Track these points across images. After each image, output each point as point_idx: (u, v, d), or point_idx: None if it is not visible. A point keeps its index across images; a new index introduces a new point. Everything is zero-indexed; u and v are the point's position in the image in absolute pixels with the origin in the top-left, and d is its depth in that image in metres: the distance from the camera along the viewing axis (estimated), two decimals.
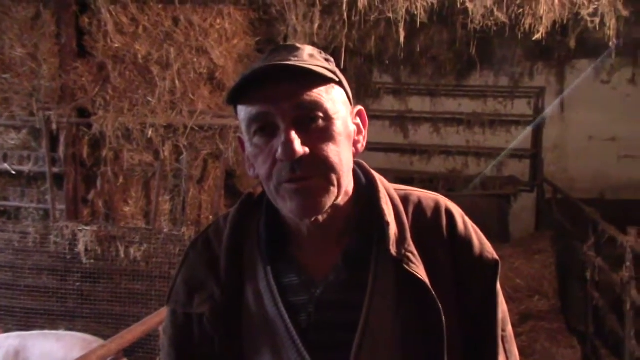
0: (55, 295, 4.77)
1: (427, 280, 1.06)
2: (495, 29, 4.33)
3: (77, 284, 4.71)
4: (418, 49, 6.17)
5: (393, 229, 1.10)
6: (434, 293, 1.06)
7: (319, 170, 1.03)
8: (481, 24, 4.25)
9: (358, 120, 1.15)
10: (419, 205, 1.16)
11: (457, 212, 1.17)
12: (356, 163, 1.18)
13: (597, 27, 4.10)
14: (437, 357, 1.06)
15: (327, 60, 1.11)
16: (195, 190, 4.84)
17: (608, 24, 4.04)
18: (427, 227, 1.14)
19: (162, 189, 4.80)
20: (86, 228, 4.63)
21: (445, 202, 1.18)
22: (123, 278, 4.66)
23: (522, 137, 7.52)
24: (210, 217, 4.78)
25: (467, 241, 1.14)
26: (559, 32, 4.92)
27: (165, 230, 4.67)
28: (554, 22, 4.16)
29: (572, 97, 7.43)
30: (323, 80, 1.04)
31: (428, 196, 1.19)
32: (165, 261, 4.58)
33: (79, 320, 4.73)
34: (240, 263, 1.14)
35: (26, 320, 4.73)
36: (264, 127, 1.04)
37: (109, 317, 4.66)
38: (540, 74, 7.45)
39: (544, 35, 4.19)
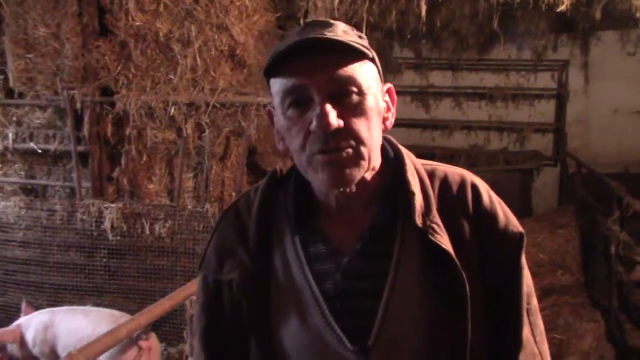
0: (83, 272, 4.87)
1: (451, 250, 1.08)
2: (518, 1, 4.26)
3: (104, 260, 4.81)
4: (439, 23, 6.09)
5: (419, 200, 1.12)
6: (457, 262, 1.08)
7: (351, 143, 1.06)
8: None
9: (387, 98, 1.17)
10: (445, 179, 1.18)
11: (483, 186, 1.19)
12: (384, 138, 1.20)
13: None
14: (460, 326, 1.08)
15: (360, 37, 1.11)
16: (217, 167, 4.87)
17: None
18: (453, 200, 1.15)
19: (185, 167, 4.84)
20: (112, 205, 4.70)
21: (471, 177, 1.20)
22: (148, 254, 4.74)
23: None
24: (233, 194, 4.82)
25: (492, 214, 1.15)
26: (584, 4, 4.83)
27: (189, 207, 4.73)
28: None
29: (596, 70, 7.31)
30: (357, 56, 1.06)
31: (454, 171, 1.20)
32: (190, 237, 4.65)
33: (106, 295, 4.83)
34: (268, 233, 1.17)
35: (55, 296, 4.85)
36: (299, 100, 1.06)
37: (135, 293, 4.76)
38: (564, 47, 7.33)
39: (568, 7, 4.12)
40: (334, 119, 1.02)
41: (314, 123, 1.03)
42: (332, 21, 1.10)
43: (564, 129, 7.34)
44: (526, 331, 1.15)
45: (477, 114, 7.60)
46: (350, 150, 1.06)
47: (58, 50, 4.82)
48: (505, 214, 1.17)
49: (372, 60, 1.10)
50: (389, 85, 1.17)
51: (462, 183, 1.18)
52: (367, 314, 1.09)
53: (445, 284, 1.08)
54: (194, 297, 2.62)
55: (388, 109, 1.17)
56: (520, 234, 1.16)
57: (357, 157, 1.07)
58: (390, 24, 5.83)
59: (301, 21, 4.48)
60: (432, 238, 1.09)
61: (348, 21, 4.80)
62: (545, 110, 7.51)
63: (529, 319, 1.16)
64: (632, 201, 4.26)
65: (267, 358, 1.15)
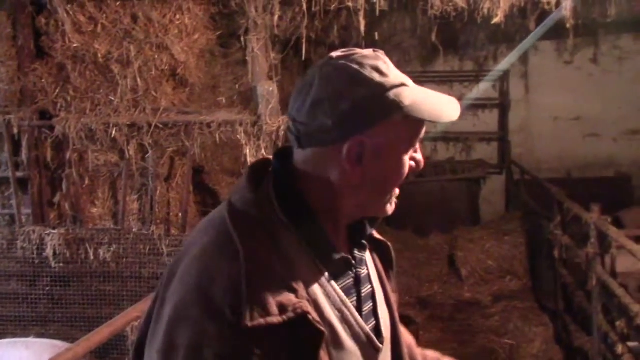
0: (26, 301, 4.70)
1: (388, 242, 1.36)
2: (454, 14, 4.35)
3: (47, 288, 4.65)
4: (380, 37, 6.17)
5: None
6: (392, 249, 1.37)
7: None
8: (441, 10, 4.27)
9: None
10: None
11: None
12: None
13: (554, 8, 4.14)
14: (393, 289, 1.35)
15: None
16: (163, 188, 4.79)
17: (564, 5, 4.09)
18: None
19: (129, 189, 4.74)
20: (53, 231, 4.56)
21: None
22: (94, 280, 4.60)
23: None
24: (180, 214, 4.75)
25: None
26: (519, 15, 4.96)
27: (135, 229, 4.62)
28: (512, 5, 4.20)
29: (536, 79, 7.52)
30: None
31: None
32: (136, 261, 4.54)
33: (51, 325, 4.67)
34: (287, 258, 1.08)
35: None
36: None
37: (82, 321, 4.61)
38: (504, 57, 7.52)
39: (503, 18, 4.23)
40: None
41: (418, 162, 1.18)
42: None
43: (507, 138, 7.52)
44: None
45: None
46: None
47: None
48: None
49: None
50: None
51: None
52: (373, 314, 1.23)
53: (387, 267, 1.35)
54: (135, 323, 2.56)
55: None
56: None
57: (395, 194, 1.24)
58: (333, 39, 5.88)
59: (242, 38, 4.45)
60: (379, 237, 1.34)
61: (289, 37, 4.83)
62: (489, 120, 7.68)
63: None
64: (572, 205, 4.37)
65: None
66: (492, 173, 7.62)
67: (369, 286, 1.24)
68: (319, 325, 1.01)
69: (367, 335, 1.16)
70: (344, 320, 1.12)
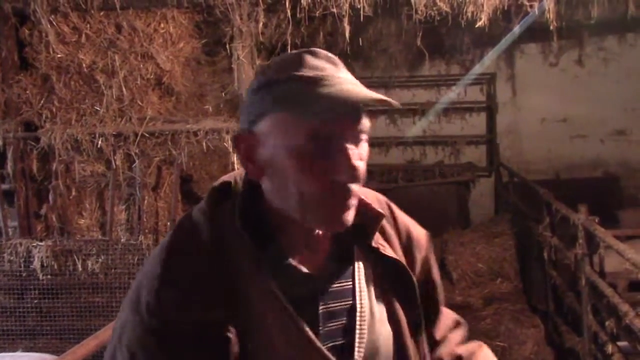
0: (13, 315, 4.65)
1: (403, 260, 1.24)
2: (439, 18, 4.37)
3: (35, 301, 4.61)
4: (365, 43, 6.19)
5: (371, 224, 1.22)
6: (408, 268, 1.23)
7: (358, 188, 1.11)
8: (425, 14, 4.28)
9: None
10: (370, 196, 1.29)
11: (393, 204, 1.37)
12: None
13: (537, 11, 4.17)
14: (414, 316, 1.24)
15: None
16: (150, 197, 4.77)
17: (547, 7, 4.11)
18: (385, 224, 1.29)
19: (117, 199, 4.72)
20: (41, 244, 4.52)
21: (384, 197, 1.35)
22: (82, 292, 4.57)
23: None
24: (168, 224, 4.73)
25: (407, 224, 1.34)
26: (502, 18, 4.99)
27: (123, 240, 4.59)
28: (496, 9, 4.22)
29: (522, 81, 7.57)
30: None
31: (369, 190, 1.31)
32: (125, 271, 4.51)
33: (39, 338, 4.62)
34: (230, 264, 1.08)
35: None
36: (326, 145, 1.04)
37: (71, 333, 4.57)
38: (489, 60, 7.56)
39: (486, 22, 4.24)
40: (358, 163, 1.07)
41: (344, 174, 1.05)
42: (332, 56, 1.13)
43: (495, 140, 7.55)
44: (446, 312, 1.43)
45: (412, 129, 7.73)
46: (356, 196, 1.11)
47: None
48: (413, 221, 1.37)
49: None
50: None
51: (380, 200, 1.32)
52: (346, 333, 1.15)
53: (399, 291, 1.22)
54: None
55: None
56: (427, 233, 1.38)
57: (356, 200, 1.12)
58: (319, 46, 5.86)
59: (227, 46, 4.45)
60: (384, 252, 1.21)
61: (274, 44, 4.83)
62: (476, 123, 7.71)
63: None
64: (560, 206, 4.38)
65: None
66: (481, 176, 7.65)
67: (347, 301, 1.15)
68: (215, 333, 1.02)
69: (317, 351, 1.09)
70: (284, 329, 1.08)
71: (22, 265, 4.57)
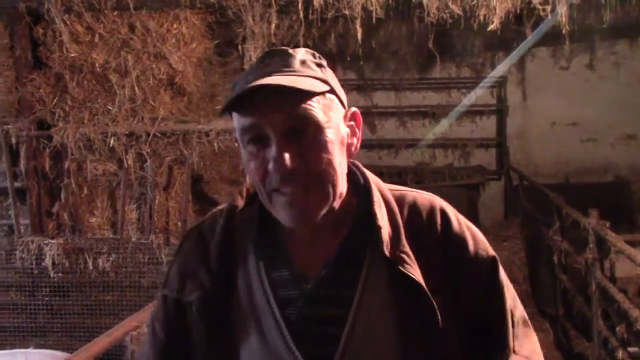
0: (25, 312, 4.69)
1: (421, 281, 1.09)
2: (451, 21, 4.37)
3: (46, 298, 4.64)
4: (377, 45, 6.20)
5: (386, 231, 1.12)
6: (428, 293, 1.08)
7: (312, 181, 1.06)
8: (437, 17, 4.28)
9: (352, 123, 1.16)
10: (414, 205, 1.18)
11: (452, 212, 1.20)
12: (353, 164, 1.21)
13: (550, 14, 4.16)
14: (434, 353, 1.09)
15: (319, 65, 1.11)
16: (161, 197, 4.80)
17: (560, 11, 4.11)
18: (422, 227, 1.16)
19: (128, 198, 4.75)
20: (52, 241, 4.56)
21: (440, 202, 1.20)
22: (93, 290, 4.60)
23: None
24: (179, 223, 4.75)
25: (461, 240, 1.16)
26: (514, 22, 4.98)
27: (133, 239, 4.62)
28: (508, 12, 4.22)
29: (533, 85, 7.54)
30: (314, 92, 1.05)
31: (423, 197, 1.21)
32: (135, 270, 4.54)
33: (50, 335, 4.66)
34: (232, 255, 1.17)
35: None
36: (257, 138, 1.06)
37: (81, 331, 4.60)
38: (500, 64, 7.54)
39: (498, 25, 4.25)
40: (289, 161, 1.02)
41: (271, 164, 1.04)
42: (291, 51, 1.10)
43: (505, 143, 7.53)
44: (514, 344, 1.15)
45: (422, 131, 7.72)
46: (311, 189, 1.06)
47: None
48: (475, 239, 1.17)
49: (332, 90, 1.10)
50: (353, 109, 1.16)
51: (431, 209, 1.18)
52: (330, 341, 1.09)
53: (415, 313, 1.09)
54: (135, 333, 2.56)
55: (353, 134, 1.16)
56: (491, 257, 1.17)
57: (320, 195, 1.08)
58: (330, 47, 5.89)
59: (240, 47, 4.48)
60: (402, 269, 1.09)
61: (287, 45, 4.83)
62: (486, 126, 7.69)
63: (513, 332, 1.16)
64: (570, 210, 4.37)
65: None
66: (491, 179, 7.62)
67: (340, 309, 1.10)
68: (199, 316, 1.13)
69: (291, 354, 1.09)
70: (263, 327, 1.11)
71: (34, 263, 4.60)
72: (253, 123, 1.05)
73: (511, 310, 1.17)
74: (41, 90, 4.66)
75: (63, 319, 4.63)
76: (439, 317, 1.08)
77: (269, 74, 1.04)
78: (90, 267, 4.53)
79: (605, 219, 3.85)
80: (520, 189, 6.89)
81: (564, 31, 4.23)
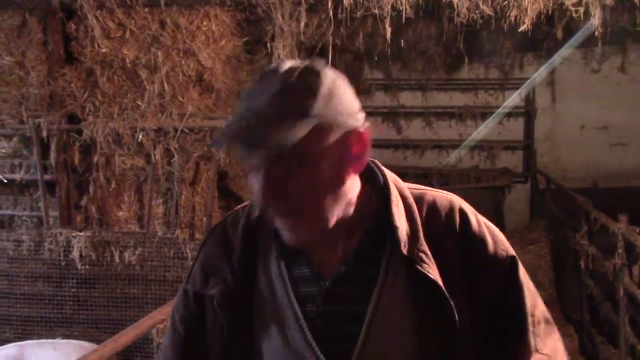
0: (52, 302, 4.76)
1: (439, 280, 1.10)
2: (481, 21, 4.33)
3: (73, 290, 4.71)
4: (406, 44, 6.17)
5: (404, 230, 1.12)
6: (445, 292, 1.09)
7: (295, 216, 1.07)
8: (467, 17, 4.25)
9: (357, 143, 1.11)
10: (433, 204, 1.19)
11: (471, 212, 1.20)
12: (373, 163, 1.21)
13: (582, 16, 4.11)
14: (451, 352, 1.10)
15: (308, 90, 1.04)
16: (188, 192, 4.83)
17: (593, 13, 4.05)
18: (441, 226, 1.16)
19: (155, 193, 4.79)
20: (80, 234, 4.62)
21: (459, 202, 1.20)
22: (118, 283, 4.65)
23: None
24: (204, 219, 4.78)
25: (480, 240, 1.16)
26: (545, 23, 4.93)
27: (159, 233, 4.66)
28: (539, 13, 4.17)
29: (562, 87, 7.45)
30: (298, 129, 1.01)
31: (442, 196, 1.21)
32: (160, 264, 4.58)
33: (76, 326, 4.72)
34: (254, 251, 1.19)
35: (23, 328, 4.73)
36: (250, 165, 1.08)
37: (106, 322, 4.65)
38: (530, 65, 7.48)
39: (529, 26, 4.20)
40: (270, 198, 1.04)
41: (255, 198, 1.08)
42: (275, 81, 1.04)
43: (532, 146, 7.45)
44: (535, 342, 1.16)
45: (448, 133, 7.68)
46: (295, 220, 1.07)
47: (23, 78, 4.77)
48: (494, 239, 1.18)
49: (321, 122, 1.03)
50: (356, 129, 1.09)
51: (451, 208, 1.18)
52: (349, 338, 1.11)
53: (433, 312, 1.10)
54: (161, 326, 2.58)
55: (357, 155, 1.10)
56: (511, 257, 1.17)
57: (303, 226, 1.08)
58: (358, 46, 5.89)
59: (268, 45, 4.49)
60: (420, 268, 1.10)
61: (315, 44, 4.84)
62: (514, 128, 7.62)
63: (535, 339, 1.16)
64: (599, 215, 4.32)
65: None
66: (517, 181, 7.56)
67: (357, 307, 1.11)
68: (220, 311, 1.15)
69: (311, 349, 1.11)
70: (284, 323, 1.14)
71: (62, 255, 4.67)
72: (245, 154, 1.06)
73: (531, 309, 1.17)
74: (72, 85, 4.73)
75: (89, 311, 4.69)
76: (457, 316, 1.09)
77: (241, 124, 1.04)
78: (117, 260, 4.58)
79: (635, 225, 3.80)
80: (547, 193, 6.82)
81: (596, 33, 4.17)
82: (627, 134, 7.30)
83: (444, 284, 1.09)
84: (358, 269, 1.13)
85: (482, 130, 7.48)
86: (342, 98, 1.07)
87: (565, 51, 7.16)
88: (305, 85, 1.04)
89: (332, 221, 1.09)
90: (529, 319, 1.16)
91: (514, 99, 7.47)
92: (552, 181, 6.75)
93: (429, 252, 1.12)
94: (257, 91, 1.06)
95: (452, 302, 1.08)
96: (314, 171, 1.04)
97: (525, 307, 1.15)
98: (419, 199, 1.18)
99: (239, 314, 1.16)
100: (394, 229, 1.11)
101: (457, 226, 1.16)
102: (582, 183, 7.17)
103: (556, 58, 7.12)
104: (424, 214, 1.17)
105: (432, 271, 1.10)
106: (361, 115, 1.11)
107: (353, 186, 1.12)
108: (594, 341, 4.59)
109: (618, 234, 3.83)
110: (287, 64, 1.07)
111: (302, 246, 1.13)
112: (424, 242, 1.12)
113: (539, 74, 7.42)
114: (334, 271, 1.14)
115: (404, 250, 1.10)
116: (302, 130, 1.00)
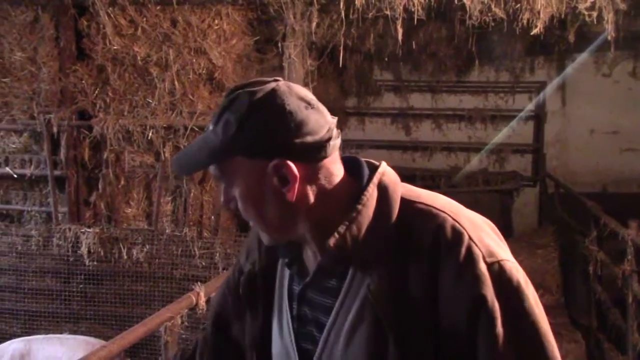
0: (59, 298, 4.79)
1: (384, 302, 1.04)
2: (493, 24, 4.32)
3: (81, 286, 4.74)
4: (417, 46, 6.16)
5: (355, 250, 1.08)
6: (385, 322, 1.04)
7: (250, 220, 1.17)
8: (479, 20, 4.23)
9: (280, 174, 1.08)
10: (414, 220, 1.09)
11: (453, 232, 1.06)
12: (365, 163, 1.18)
13: (595, 20, 4.08)
14: None
15: (226, 126, 1.08)
16: (196, 191, 4.84)
17: (606, 18, 4.03)
18: (412, 245, 1.06)
19: (164, 190, 4.81)
20: (88, 230, 4.65)
21: (444, 219, 1.08)
22: (126, 279, 4.67)
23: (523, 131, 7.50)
24: (212, 217, 4.79)
25: (448, 267, 1.03)
26: (558, 27, 4.90)
27: (168, 231, 4.68)
28: (552, 17, 4.15)
29: (573, 91, 7.41)
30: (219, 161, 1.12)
31: (431, 211, 1.09)
32: (168, 262, 4.60)
33: (83, 322, 4.75)
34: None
35: (30, 323, 4.76)
36: None
37: (113, 319, 4.68)
38: (540, 69, 7.42)
39: (542, 30, 4.18)
40: (224, 202, 1.17)
41: None
42: (220, 109, 1.12)
43: (542, 150, 7.41)
44: None
45: (457, 135, 7.65)
46: (255, 226, 1.18)
47: (35, 74, 4.80)
48: (468, 264, 1.02)
49: (240, 152, 1.08)
50: (275, 162, 1.07)
51: (430, 225, 1.07)
52: (315, 343, 1.15)
53: (373, 339, 1.05)
54: (169, 324, 2.58)
55: (284, 183, 1.09)
56: (475, 296, 1.00)
57: (263, 231, 1.17)
58: (369, 47, 5.88)
59: (279, 45, 4.50)
60: (369, 290, 1.06)
61: (326, 44, 4.84)
62: (523, 131, 7.58)
63: None
64: (609, 220, 4.29)
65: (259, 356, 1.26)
66: (526, 185, 7.51)
67: (321, 315, 1.14)
68: (242, 290, 1.26)
69: (292, 343, 1.19)
70: (280, 315, 1.23)
71: (70, 250, 4.70)
72: None
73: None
74: (83, 82, 4.75)
75: (96, 307, 4.72)
76: (400, 342, 1.03)
77: (191, 144, 1.19)
78: (125, 257, 4.61)
79: None
80: (556, 197, 6.78)
81: (609, 37, 4.14)
82: (637, 139, 7.24)
83: (399, 310, 1.03)
84: (324, 278, 1.13)
85: (505, 132, 7.43)
86: (263, 130, 1.07)
87: (576, 55, 7.14)
88: (229, 116, 1.09)
89: (277, 233, 1.15)
90: None
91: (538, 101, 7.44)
92: (561, 185, 6.71)
93: (387, 271, 1.05)
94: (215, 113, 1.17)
95: (390, 333, 1.03)
96: (241, 191, 1.12)
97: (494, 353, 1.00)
98: (404, 212, 1.10)
99: (256, 299, 1.25)
100: (328, 248, 1.08)
101: (432, 249, 1.05)
102: (592, 188, 7.13)
103: (567, 62, 7.10)
104: (402, 229, 1.08)
105: (383, 294, 1.04)
106: (295, 143, 1.07)
107: (305, 202, 1.10)
108: (601, 347, 4.56)
109: (628, 240, 3.80)
110: (242, 84, 1.13)
111: (288, 245, 1.18)
112: (386, 261, 1.06)
113: (550, 77, 7.39)
114: (310, 277, 1.16)
115: (361, 271, 1.08)
116: (222, 159, 1.11)
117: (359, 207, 1.09)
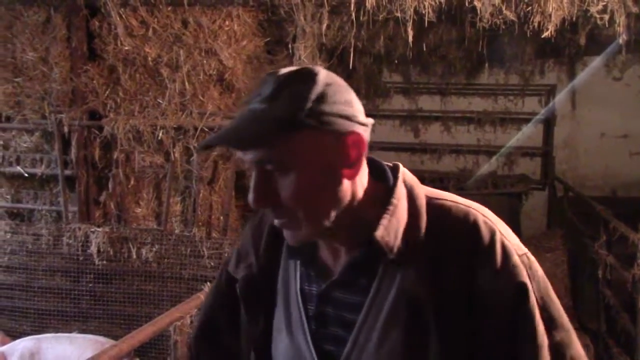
0: (69, 297, 4.81)
1: (422, 297, 1.04)
2: (504, 27, 4.31)
3: (90, 285, 4.76)
4: (427, 48, 6.15)
5: (395, 243, 1.07)
6: (425, 309, 1.04)
7: (284, 213, 1.06)
8: (490, 22, 4.22)
9: (348, 146, 1.06)
10: (446, 217, 1.10)
11: (486, 227, 1.08)
12: (390, 165, 1.19)
13: (607, 24, 4.07)
14: None
15: (298, 94, 1.02)
16: (205, 191, 4.86)
17: (618, 21, 4.01)
18: (447, 240, 1.08)
19: (173, 191, 4.82)
20: (98, 229, 4.67)
21: (475, 215, 1.10)
22: (135, 279, 4.69)
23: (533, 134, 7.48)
24: (221, 217, 4.80)
25: (487, 260, 1.06)
26: (569, 30, 4.88)
27: (177, 231, 4.70)
28: (563, 20, 4.14)
29: (583, 95, 7.38)
30: (280, 131, 1.01)
31: (459, 208, 1.11)
32: (177, 262, 4.61)
33: (92, 321, 4.77)
34: (279, 245, 1.22)
35: (40, 322, 4.79)
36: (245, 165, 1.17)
37: (122, 318, 4.70)
38: (551, 72, 7.40)
39: (553, 32, 4.16)
40: (259, 199, 1.04)
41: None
42: (273, 82, 1.04)
43: (551, 153, 7.39)
44: None
45: (466, 138, 7.64)
46: (287, 219, 1.07)
47: (46, 74, 4.82)
48: (506, 257, 1.06)
49: (312, 125, 1.02)
50: (347, 132, 1.05)
51: (465, 223, 1.09)
52: (340, 343, 1.11)
53: (420, 330, 1.04)
54: (178, 323, 2.60)
55: (350, 159, 1.06)
56: (518, 284, 1.05)
57: (295, 225, 1.07)
58: (378, 49, 5.88)
59: (290, 46, 4.51)
60: (405, 284, 1.06)
61: (336, 46, 4.84)
62: (533, 134, 7.56)
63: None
64: (618, 224, 4.27)
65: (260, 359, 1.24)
66: (535, 188, 7.49)
67: (349, 314, 1.12)
68: (240, 295, 1.23)
69: (308, 345, 1.14)
70: (288, 317, 1.19)
71: (80, 249, 4.73)
72: (238, 155, 1.10)
73: (543, 344, 1.05)
74: (94, 82, 4.78)
75: (105, 306, 4.74)
76: (441, 343, 1.03)
77: (232, 125, 1.05)
78: (134, 257, 4.63)
79: None
80: (565, 200, 6.75)
81: (620, 41, 4.13)
82: None
83: (436, 305, 1.03)
84: (354, 276, 1.11)
85: (518, 135, 7.41)
86: (337, 101, 1.04)
87: (587, 58, 7.11)
88: (295, 89, 1.03)
89: (326, 223, 1.06)
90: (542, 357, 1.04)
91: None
92: (570, 189, 6.68)
93: (423, 267, 1.06)
94: (253, 95, 1.06)
95: (431, 325, 1.03)
96: (303, 173, 1.03)
97: (536, 346, 1.04)
98: (432, 209, 1.11)
99: (256, 302, 1.22)
100: (374, 241, 1.07)
101: (466, 243, 1.07)
102: (601, 191, 7.10)
103: (578, 65, 7.07)
104: (434, 225, 1.09)
105: (416, 288, 1.04)
106: (362, 119, 1.07)
107: (352, 189, 1.08)
108: (610, 352, 4.53)
109: (638, 244, 3.78)
110: (285, 69, 1.07)
111: (301, 245, 1.12)
112: (421, 256, 1.06)
113: (560, 80, 7.37)
114: (332, 275, 1.14)
115: (393, 261, 1.07)
116: (288, 133, 1.00)
117: (394, 201, 1.11)
